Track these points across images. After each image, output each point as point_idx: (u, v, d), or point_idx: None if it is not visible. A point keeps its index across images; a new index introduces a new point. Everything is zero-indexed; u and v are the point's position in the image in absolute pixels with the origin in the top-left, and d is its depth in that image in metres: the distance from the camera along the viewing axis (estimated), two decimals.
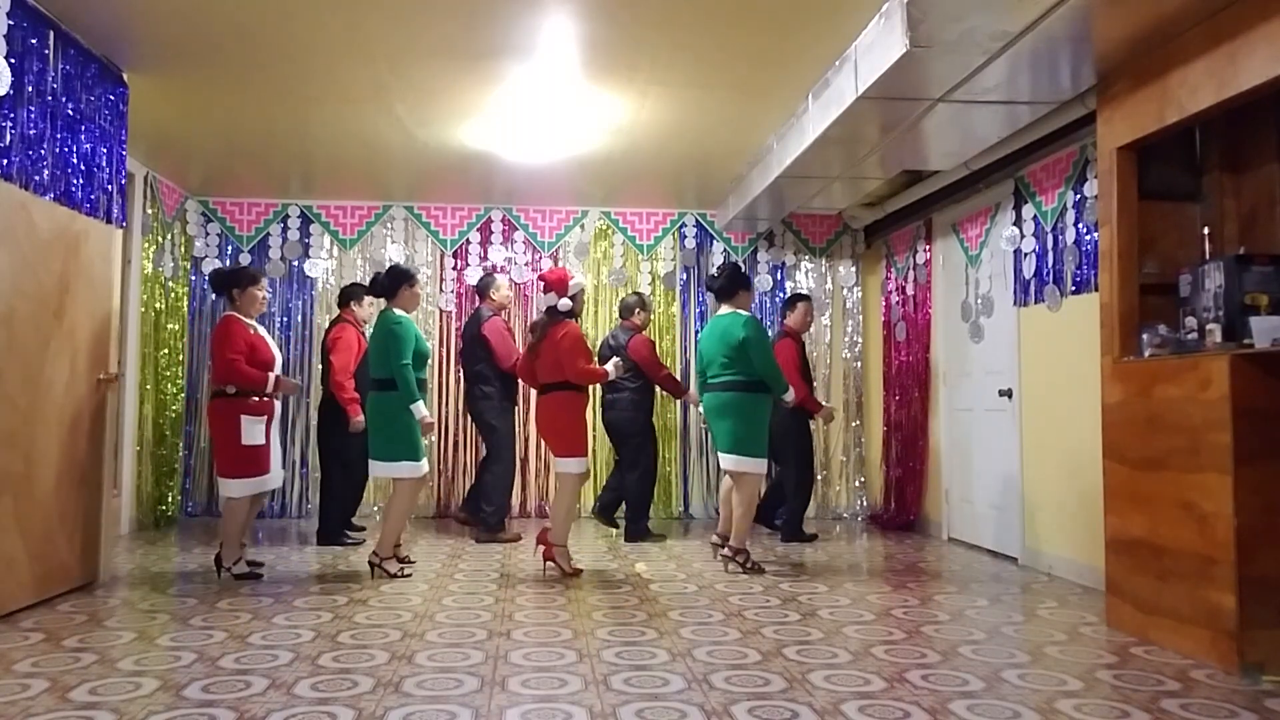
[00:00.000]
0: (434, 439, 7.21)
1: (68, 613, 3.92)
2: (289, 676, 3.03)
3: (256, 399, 4.69)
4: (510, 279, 7.22)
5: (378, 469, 4.82)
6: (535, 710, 2.72)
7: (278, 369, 4.85)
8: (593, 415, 7.26)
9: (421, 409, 4.74)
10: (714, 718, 2.67)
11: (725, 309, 5.25)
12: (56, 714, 2.67)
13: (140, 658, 3.25)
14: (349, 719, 2.64)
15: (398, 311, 4.86)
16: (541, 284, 5.12)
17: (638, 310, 6.27)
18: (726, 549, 5.05)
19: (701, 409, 5.40)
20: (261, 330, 4.92)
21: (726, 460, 5.08)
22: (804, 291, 7.44)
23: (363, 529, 6.23)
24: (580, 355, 4.87)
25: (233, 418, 4.64)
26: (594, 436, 7.36)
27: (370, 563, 4.78)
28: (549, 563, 4.83)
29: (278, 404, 4.92)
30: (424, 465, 4.83)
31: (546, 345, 4.92)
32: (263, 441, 4.70)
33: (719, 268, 5.59)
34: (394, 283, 4.93)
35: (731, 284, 5.24)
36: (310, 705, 2.75)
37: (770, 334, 5.76)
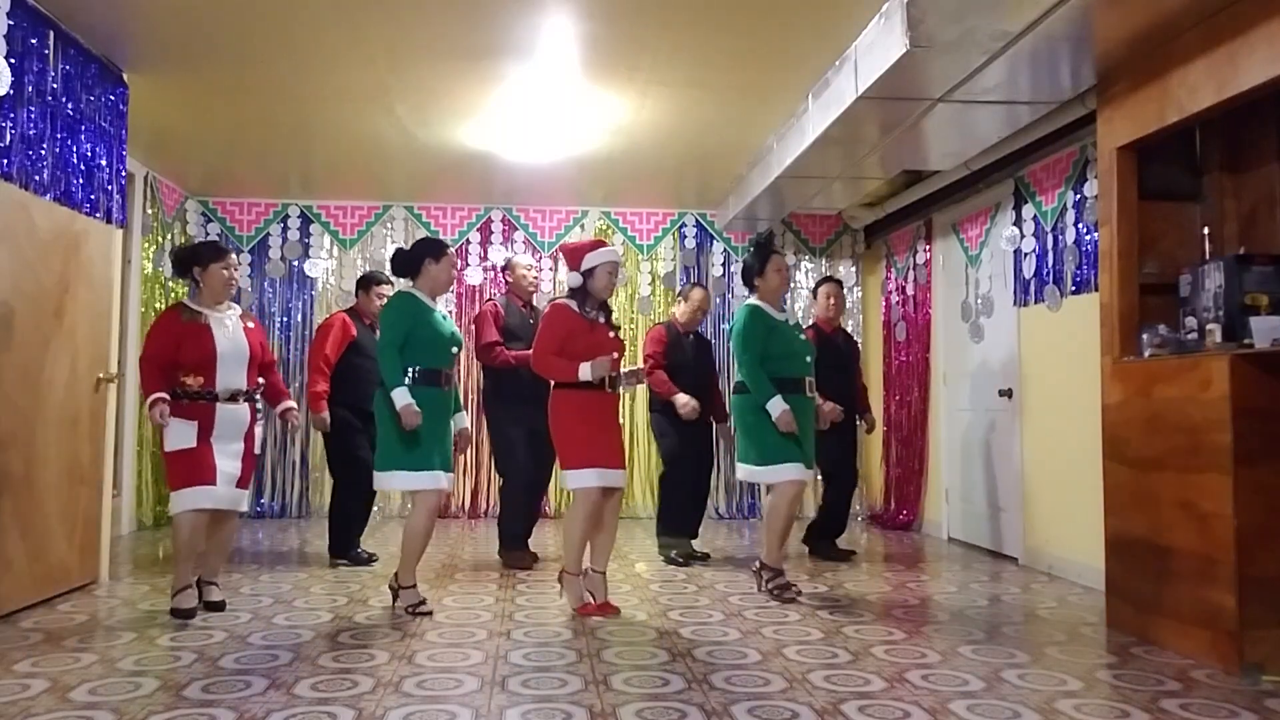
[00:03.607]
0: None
1: (68, 613, 3.91)
2: (289, 676, 3.02)
3: (188, 401, 3.90)
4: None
5: (377, 480, 4.03)
6: (535, 710, 2.72)
7: (230, 365, 4.02)
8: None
9: (403, 396, 3.83)
10: (714, 718, 2.67)
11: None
12: (56, 714, 2.66)
13: (140, 658, 3.25)
14: (349, 719, 2.64)
15: (407, 292, 4.12)
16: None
17: (678, 299, 5.67)
18: (755, 563, 4.54)
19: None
20: (218, 317, 4.06)
21: (740, 471, 4.52)
22: (832, 275, 6.98)
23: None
24: (547, 341, 4.03)
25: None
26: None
27: (390, 587, 4.08)
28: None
29: (233, 408, 4.00)
30: (428, 477, 3.92)
31: None
32: (192, 444, 3.88)
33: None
34: (414, 258, 4.14)
35: (747, 268, 4.62)
36: (310, 705, 2.75)
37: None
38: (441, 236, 7.60)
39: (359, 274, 5.89)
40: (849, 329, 7.78)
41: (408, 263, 4.13)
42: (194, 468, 3.87)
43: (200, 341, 3.96)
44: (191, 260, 4.12)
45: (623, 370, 4.18)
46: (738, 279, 7.68)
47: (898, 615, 4.04)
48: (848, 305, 7.78)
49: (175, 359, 3.93)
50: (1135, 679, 3.12)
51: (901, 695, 2.89)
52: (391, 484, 3.99)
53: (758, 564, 4.50)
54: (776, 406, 4.29)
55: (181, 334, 3.96)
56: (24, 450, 3.89)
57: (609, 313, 4.21)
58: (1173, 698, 2.91)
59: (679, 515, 5.44)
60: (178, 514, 3.88)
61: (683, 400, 5.16)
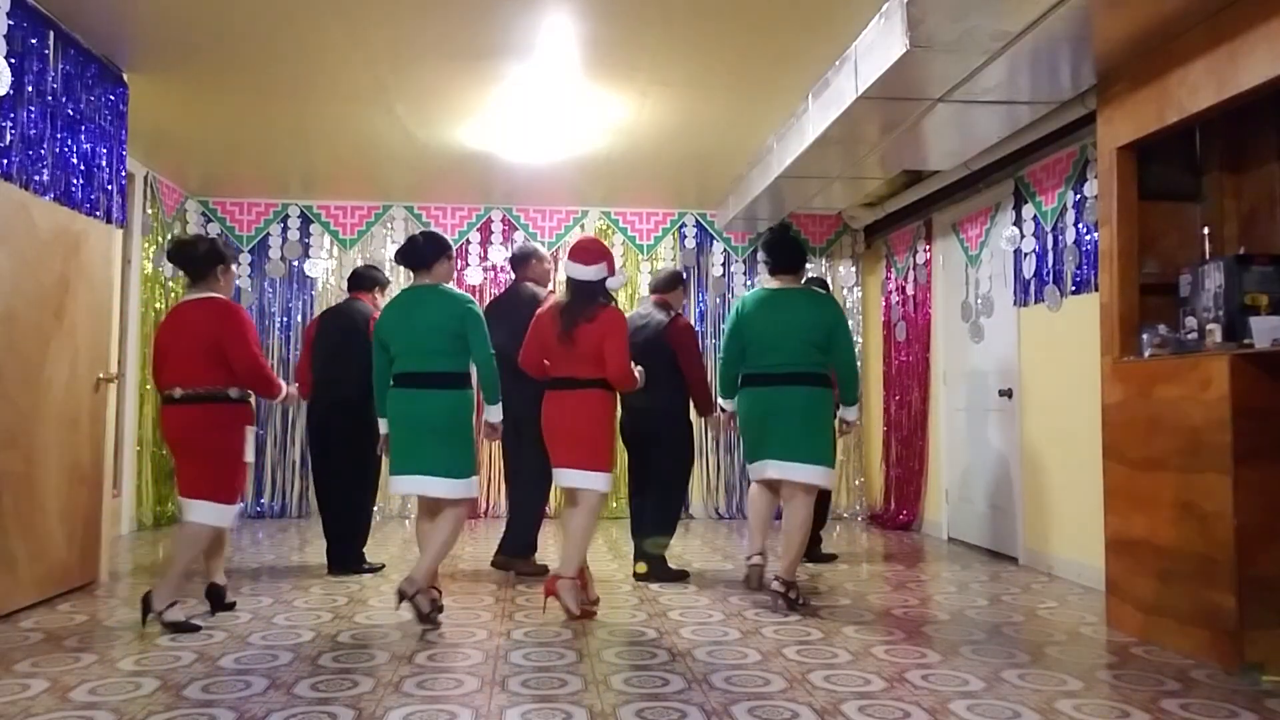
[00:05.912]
0: None
1: (68, 613, 3.91)
2: (289, 676, 3.03)
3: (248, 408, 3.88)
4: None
5: (448, 488, 3.79)
6: (535, 710, 2.72)
7: None
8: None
9: (499, 412, 3.97)
10: (714, 718, 2.67)
11: (779, 282, 4.31)
12: (56, 714, 2.67)
13: (140, 658, 3.25)
14: (349, 719, 2.64)
15: (449, 288, 3.98)
16: (583, 255, 4.00)
17: (680, 289, 5.06)
18: (778, 582, 4.06)
19: (733, 406, 4.39)
20: None
21: (801, 472, 4.10)
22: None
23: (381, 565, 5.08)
24: (626, 350, 3.96)
25: (237, 429, 3.78)
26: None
27: (402, 591, 3.68)
28: (550, 598, 3.88)
29: None
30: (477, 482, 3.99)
31: (591, 331, 3.90)
32: (252, 458, 3.94)
33: (772, 229, 4.42)
34: (433, 252, 3.95)
35: (798, 253, 4.36)
36: (310, 705, 2.75)
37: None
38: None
39: (359, 270, 5.34)
40: (849, 328, 7.80)
41: (426, 254, 3.94)
42: (244, 483, 3.95)
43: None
44: (219, 258, 3.92)
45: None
46: (738, 278, 7.73)
47: (898, 615, 4.04)
48: (848, 305, 7.82)
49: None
50: (1135, 679, 3.12)
51: (901, 695, 2.89)
52: (470, 492, 3.87)
53: (784, 585, 4.05)
54: (855, 411, 4.40)
55: None
56: (24, 450, 3.89)
57: None
58: (1173, 698, 2.91)
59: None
60: (207, 525, 3.72)
61: (729, 412, 4.54)
